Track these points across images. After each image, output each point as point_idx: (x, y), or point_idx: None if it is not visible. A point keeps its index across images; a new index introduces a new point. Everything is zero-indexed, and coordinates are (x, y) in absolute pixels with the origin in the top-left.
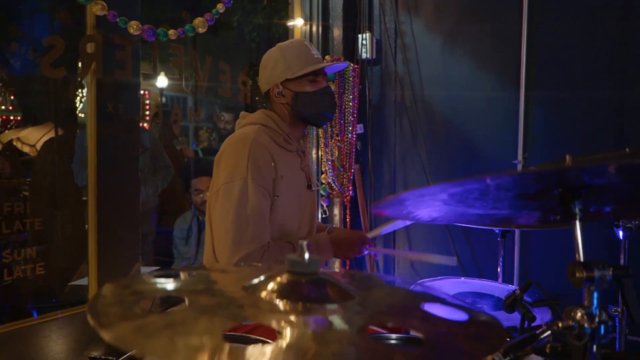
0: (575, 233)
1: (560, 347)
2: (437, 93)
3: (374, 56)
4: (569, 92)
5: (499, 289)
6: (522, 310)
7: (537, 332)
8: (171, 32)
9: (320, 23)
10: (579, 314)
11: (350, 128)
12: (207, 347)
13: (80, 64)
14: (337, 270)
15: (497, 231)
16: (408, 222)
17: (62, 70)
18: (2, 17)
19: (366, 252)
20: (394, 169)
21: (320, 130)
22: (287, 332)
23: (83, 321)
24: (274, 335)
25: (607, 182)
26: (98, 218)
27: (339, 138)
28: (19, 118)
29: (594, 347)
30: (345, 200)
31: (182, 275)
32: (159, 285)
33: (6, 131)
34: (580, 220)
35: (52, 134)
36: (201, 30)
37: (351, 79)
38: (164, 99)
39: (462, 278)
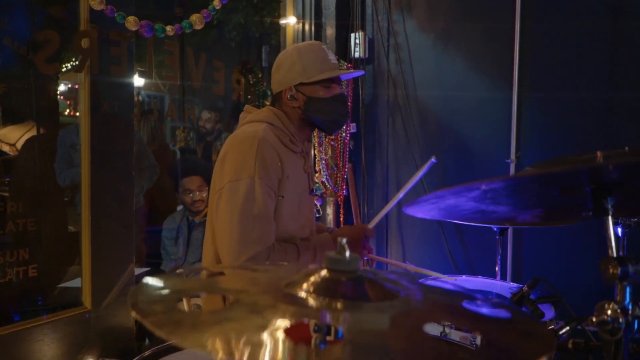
0: (607, 229)
1: (583, 344)
2: (429, 92)
3: (367, 55)
4: (561, 91)
5: (499, 286)
6: (530, 307)
7: (555, 328)
8: (169, 28)
9: (312, 21)
10: (613, 309)
11: (344, 127)
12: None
13: (63, 60)
14: None
15: (495, 229)
16: (400, 197)
17: (56, 66)
18: None
19: (365, 258)
20: (387, 168)
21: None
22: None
23: (76, 324)
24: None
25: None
26: (92, 218)
27: (333, 137)
28: None
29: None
30: (339, 199)
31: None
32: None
33: None
34: (612, 216)
35: (33, 133)
36: (198, 26)
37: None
38: (139, 98)
39: (464, 276)
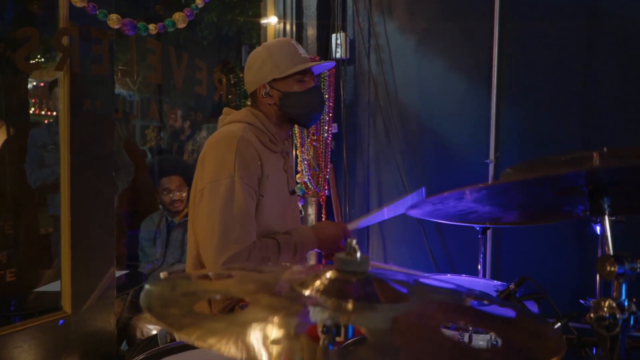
0: (604, 228)
1: (576, 339)
2: (410, 93)
3: (348, 56)
4: (539, 92)
5: (482, 284)
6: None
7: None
8: (151, 26)
9: (294, 21)
10: (610, 306)
11: (326, 127)
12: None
13: (38, 57)
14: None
15: (477, 228)
16: (385, 217)
17: (37, 64)
18: None
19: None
20: (368, 168)
21: (296, 129)
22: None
23: (56, 329)
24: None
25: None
26: (72, 220)
27: (315, 137)
28: None
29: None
30: (321, 199)
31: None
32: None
33: None
34: (609, 216)
35: (2, 133)
36: (181, 25)
37: (327, 78)
38: None
39: (448, 275)
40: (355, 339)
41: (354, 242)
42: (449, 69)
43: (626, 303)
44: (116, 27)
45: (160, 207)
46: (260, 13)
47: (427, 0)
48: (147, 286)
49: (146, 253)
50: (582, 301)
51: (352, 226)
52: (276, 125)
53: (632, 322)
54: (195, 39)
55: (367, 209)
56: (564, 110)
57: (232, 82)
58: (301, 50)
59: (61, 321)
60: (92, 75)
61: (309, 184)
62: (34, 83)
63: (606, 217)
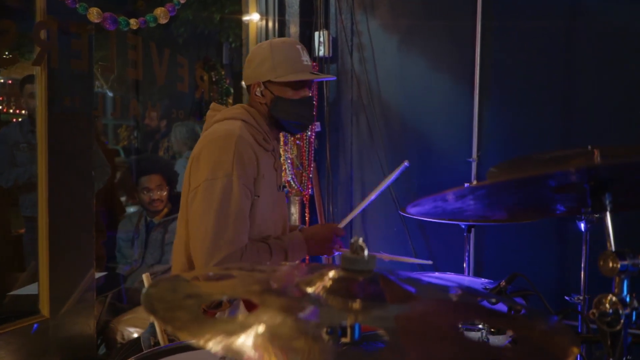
0: (606, 224)
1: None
2: (393, 92)
3: (331, 54)
4: (520, 92)
5: (469, 282)
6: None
7: None
8: (132, 21)
9: (276, 18)
10: (612, 301)
11: (310, 126)
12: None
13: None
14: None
15: (462, 226)
16: (371, 198)
17: (15, 59)
18: None
19: (337, 253)
20: (351, 167)
21: None
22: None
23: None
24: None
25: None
26: (49, 221)
27: (298, 136)
28: None
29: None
30: (305, 198)
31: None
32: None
33: None
34: (610, 212)
35: None
36: (163, 20)
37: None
38: None
39: (436, 273)
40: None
41: (361, 240)
42: (431, 67)
43: (628, 299)
44: (97, 21)
45: (132, 208)
46: (241, 10)
47: None
48: (146, 289)
49: (124, 254)
50: (567, 297)
51: (342, 224)
52: (268, 125)
53: (634, 317)
54: (174, 35)
55: (350, 208)
56: (545, 109)
57: (214, 79)
58: (304, 57)
59: (35, 325)
60: (71, 71)
61: (292, 183)
62: (1, 80)
63: (608, 214)
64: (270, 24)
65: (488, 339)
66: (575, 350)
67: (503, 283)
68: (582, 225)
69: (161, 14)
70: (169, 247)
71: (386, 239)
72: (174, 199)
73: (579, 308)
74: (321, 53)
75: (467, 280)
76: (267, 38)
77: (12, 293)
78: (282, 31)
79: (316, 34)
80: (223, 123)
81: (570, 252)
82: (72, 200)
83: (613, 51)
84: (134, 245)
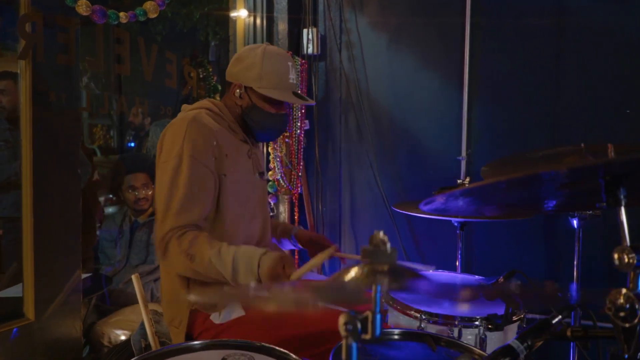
0: (620, 218)
1: (581, 331)
2: (382, 90)
3: (319, 52)
4: (510, 90)
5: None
6: (507, 299)
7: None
8: (122, 15)
9: (264, 15)
10: (627, 296)
11: (299, 124)
12: None
13: None
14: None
15: (455, 223)
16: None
17: None
18: None
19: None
20: (340, 165)
21: None
22: None
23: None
24: None
25: None
26: (34, 221)
27: (288, 134)
28: None
29: None
30: (294, 197)
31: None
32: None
33: None
34: (625, 207)
35: None
36: (152, 15)
37: (299, 74)
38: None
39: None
40: None
41: (382, 233)
42: (421, 65)
43: None
44: (85, 14)
45: (110, 209)
46: (229, 6)
47: None
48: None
49: (107, 254)
50: (560, 294)
51: (296, 275)
52: (235, 120)
53: None
54: (153, 32)
55: (339, 206)
56: (534, 107)
57: (201, 76)
58: (292, 75)
59: (15, 330)
60: (57, 66)
61: (281, 181)
62: None
63: (622, 208)
64: (258, 21)
65: (485, 336)
66: None
67: (501, 279)
68: (575, 222)
69: (151, 8)
70: (154, 247)
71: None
72: None
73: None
74: (309, 51)
75: (461, 277)
76: (255, 35)
77: None
78: (270, 28)
79: (304, 31)
80: (183, 113)
81: (559, 248)
82: (58, 199)
83: (600, 49)
84: (118, 245)
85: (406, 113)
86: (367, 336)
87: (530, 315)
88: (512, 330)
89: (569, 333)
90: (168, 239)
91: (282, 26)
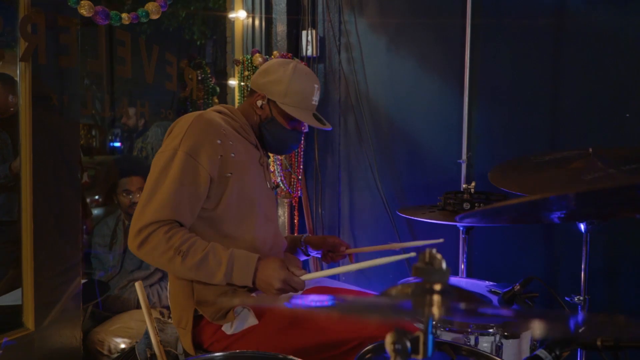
0: None
1: (612, 342)
2: (382, 92)
3: (318, 54)
4: (510, 92)
5: (470, 284)
6: (523, 305)
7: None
8: (124, 16)
9: (263, 16)
10: None
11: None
12: None
13: None
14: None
15: (461, 228)
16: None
17: (1, 53)
18: None
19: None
20: (339, 167)
21: None
22: None
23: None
24: None
25: None
26: (34, 228)
27: None
28: None
29: None
30: (293, 201)
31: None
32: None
33: None
34: None
35: None
36: (155, 16)
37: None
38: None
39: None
40: None
41: (434, 250)
42: (421, 67)
43: None
44: (88, 15)
45: (96, 210)
46: (227, 7)
47: None
48: None
49: (100, 260)
50: (567, 298)
51: (305, 277)
52: (250, 127)
53: None
54: (160, 31)
55: (339, 210)
56: (535, 109)
57: (200, 78)
58: (315, 97)
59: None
60: (59, 68)
61: (281, 185)
62: None
63: None
64: (257, 22)
65: (502, 344)
66: None
67: (517, 287)
68: (583, 227)
69: (153, 9)
70: None
71: (375, 239)
72: None
73: (579, 309)
74: (309, 52)
75: (465, 282)
76: (253, 36)
77: None
78: (268, 29)
79: (303, 33)
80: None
81: (563, 252)
82: (58, 205)
83: (601, 52)
84: (111, 250)
85: (406, 115)
86: (418, 357)
87: None
88: (527, 338)
89: (599, 343)
90: (151, 231)
91: (280, 27)
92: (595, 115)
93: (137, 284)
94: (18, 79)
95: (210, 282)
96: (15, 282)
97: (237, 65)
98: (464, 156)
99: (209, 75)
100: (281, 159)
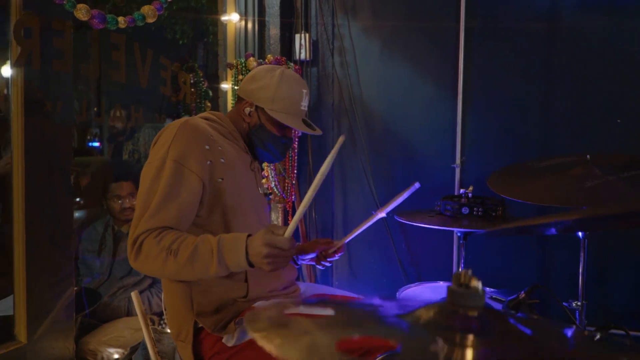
0: None
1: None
2: (375, 96)
3: (311, 57)
4: (504, 97)
5: None
6: (528, 313)
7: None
8: (121, 19)
9: (256, 19)
10: None
11: (293, 131)
12: None
13: None
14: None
15: (458, 234)
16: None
17: None
18: None
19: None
20: (332, 172)
21: None
22: None
23: None
24: None
25: None
26: (27, 237)
27: None
28: None
29: None
30: (287, 205)
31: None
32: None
33: None
34: None
35: None
36: (151, 19)
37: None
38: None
39: (441, 282)
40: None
41: (470, 271)
42: (414, 71)
43: None
44: (84, 19)
45: (77, 213)
46: (219, 9)
47: (392, 1)
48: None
49: (89, 266)
50: (565, 304)
51: (289, 232)
52: (239, 133)
53: None
54: (153, 35)
55: (332, 214)
56: (528, 114)
57: (192, 81)
58: (304, 103)
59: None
60: (53, 72)
61: (275, 190)
62: None
63: None
64: (249, 25)
65: None
66: None
67: (523, 295)
68: (580, 233)
69: (149, 12)
70: None
71: (370, 250)
72: None
73: (577, 314)
74: (302, 56)
75: None
76: (246, 39)
77: None
78: (261, 32)
79: (297, 36)
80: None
81: (556, 258)
82: (50, 211)
83: (593, 57)
84: (100, 256)
85: (399, 119)
86: None
87: None
88: None
89: None
90: (142, 239)
91: (274, 31)
92: (588, 120)
93: (133, 295)
94: (9, 84)
95: (208, 275)
96: (4, 291)
97: (231, 69)
98: (458, 160)
99: (202, 79)
100: (275, 164)
